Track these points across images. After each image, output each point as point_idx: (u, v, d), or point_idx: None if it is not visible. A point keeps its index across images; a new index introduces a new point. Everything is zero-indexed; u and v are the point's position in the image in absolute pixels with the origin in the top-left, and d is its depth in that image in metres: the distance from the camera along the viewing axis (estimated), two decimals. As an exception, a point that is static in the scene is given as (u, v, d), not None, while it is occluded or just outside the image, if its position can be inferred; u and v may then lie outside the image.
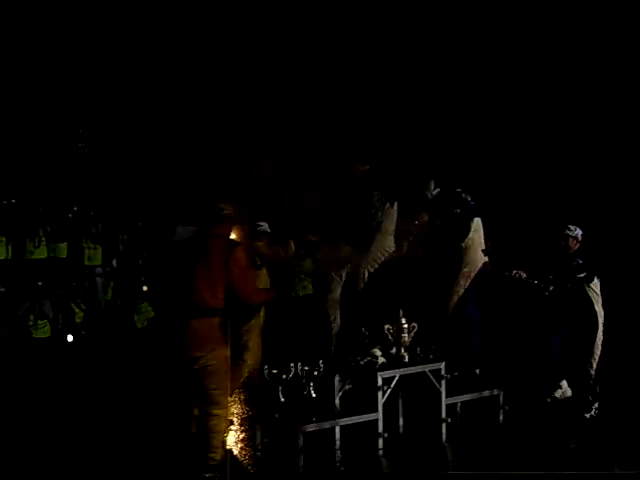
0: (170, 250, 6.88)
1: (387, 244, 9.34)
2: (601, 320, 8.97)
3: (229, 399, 6.68)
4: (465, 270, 9.13)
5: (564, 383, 8.95)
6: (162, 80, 15.89)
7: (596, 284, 8.98)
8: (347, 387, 8.34)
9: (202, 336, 6.39)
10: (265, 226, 10.10)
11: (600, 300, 9.01)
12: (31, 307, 13.32)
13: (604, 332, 8.97)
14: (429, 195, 9.43)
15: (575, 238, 9.00)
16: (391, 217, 9.32)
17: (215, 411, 6.47)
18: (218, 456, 6.53)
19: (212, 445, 6.49)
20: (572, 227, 9.05)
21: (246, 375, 9.25)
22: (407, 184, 9.90)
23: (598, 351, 8.92)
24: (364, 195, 9.17)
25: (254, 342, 9.38)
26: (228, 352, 6.55)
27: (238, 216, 6.84)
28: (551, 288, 9.03)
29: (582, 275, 8.87)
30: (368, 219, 9.13)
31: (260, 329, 9.90)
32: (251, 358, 9.32)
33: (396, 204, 9.30)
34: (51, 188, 14.82)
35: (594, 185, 14.49)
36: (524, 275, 8.91)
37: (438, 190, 9.39)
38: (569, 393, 8.95)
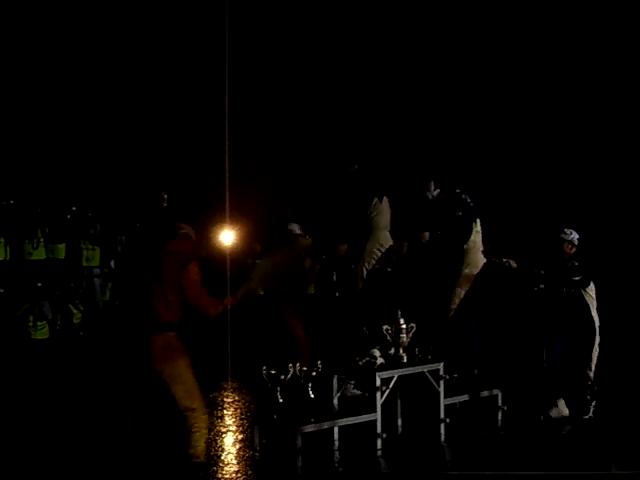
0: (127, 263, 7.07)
1: (382, 239, 9.29)
2: (597, 324, 8.89)
3: (201, 402, 6.80)
4: (466, 271, 9.10)
5: (561, 402, 8.79)
6: (162, 82, 15.90)
7: (592, 289, 8.92)
8: (358, 392, 8.38)
9: (163, 350, 6.61)
10: (296, 227, 9.91)
11: (595, 304, 8.94)
12: (30, 308, 13.31)
13: (600, 335, 8.92)
14: (429, 196, 9.38)
15: (570, 242, 8.91)
16: (382, 212, 9.26)
17: (191, 414, 6.65)
18: (199, 454, 6.66)
19: (193, 443, 6.62)
20: (568, 231, 8.97)
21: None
22: (407, 185, 9.88)
23: (596, 354, 8.87)
24: (352, 194, 9.15)
25: (301, 337, 9.43)
26: (189, 360, 6.77)
27: (195, 235, 7.02)
28: (542, 286, 8.98)
29: (577, 278, 8.81)
30: (356, 217, 9.10)
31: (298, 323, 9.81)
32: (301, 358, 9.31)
33: (386, 199, 9.23)
34: (49, 189, 14.82)
35: (595, 189, 14.50)
36: (514, 264, 8.88)
37: (438, 191, 9.35)
38: (566, 412, 8.79)
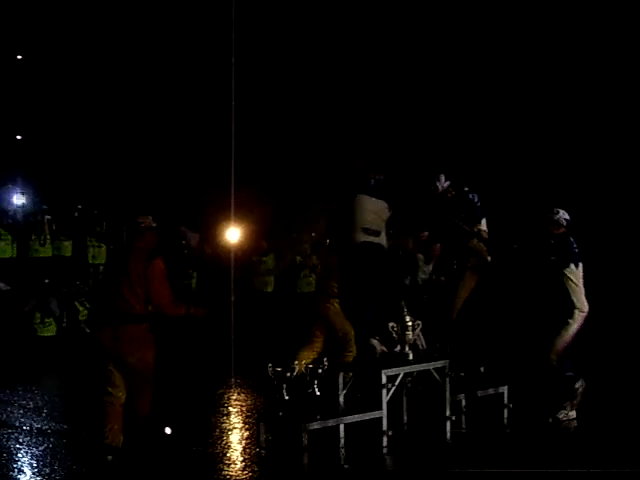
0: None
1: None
2: (580, 312, 8.54)
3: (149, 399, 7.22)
4: (470, 269, 9.05)
5: (569, 405, 8.61)
6: (164, 83, 15.95)
7: (573, 271, 8.56)
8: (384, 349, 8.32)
9: (132, 340, 7.05)
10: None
11: (580, 290, 8.57)
12: (38, 305, 13.34)
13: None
14: (439, 187, 9.23)
15: (557, 222, 8.63)
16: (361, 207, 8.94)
17: (141, 399, 7.14)
18: (138, 423, 7.17)
19: (136, 414, 7.14)
20: (555, 210, 8.69)
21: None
22: (415, 178, 9.79)
23: (564, 341, 8.53)
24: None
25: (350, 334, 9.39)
26: (154, 353, 7.19)
27: (157, 227, 7.41)
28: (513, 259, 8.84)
29: (554, 258, 8.48)
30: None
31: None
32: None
33: (362, 197, 8.89)
34: (56, 187, 14.87)
35: (597, 182, 14.53)
36: (484, 232, 8.79)
37: (448, 183, 9.22)
38: (573, 415, 8.62)
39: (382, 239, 8.81)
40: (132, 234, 7.32)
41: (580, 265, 8.66)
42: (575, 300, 8.56)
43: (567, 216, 8.71)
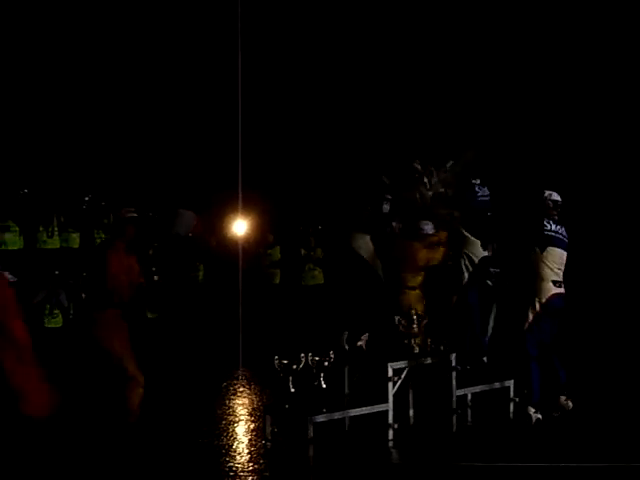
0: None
1: None
2: (542, 298, 8.34)
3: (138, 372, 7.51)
4: (465, 263, 9.07)
5: (562, 398, 8.54)
6: (175, 75, 15.98)
7: (537, 255, 8.32)
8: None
9: (105, 324, 7.40)
10: (428, 226, 9.45)
11: (540, 276, 8.32)
12: (47, 297, 13.37)
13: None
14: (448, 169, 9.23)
15: (542, 203, 8.50)
16: None
17: (129, 383, 7.43)
18: (132, 417, 7.42)
19: (128, 407, 7.40)
20: (542, 191, 8.56)
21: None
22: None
23: (526, 326, 8.40)
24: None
25: None
26: (127, 335, 7.55)
27: (137, 219, 7.78)
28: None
29: (519, 240, 8.46)
30: None
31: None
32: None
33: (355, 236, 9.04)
34: (64, 178, 14.89)
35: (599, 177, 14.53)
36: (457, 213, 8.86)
37: (452, 163, 9.20)
38: (569, 406, 8.53)
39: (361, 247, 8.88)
40: (115, 232, 7.73)
41: (551, 249, 8.37)
42: (537, 285, 8.36)
43: (556, 197, 8.56)
